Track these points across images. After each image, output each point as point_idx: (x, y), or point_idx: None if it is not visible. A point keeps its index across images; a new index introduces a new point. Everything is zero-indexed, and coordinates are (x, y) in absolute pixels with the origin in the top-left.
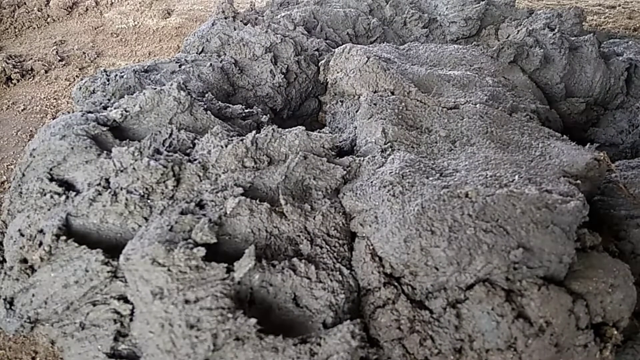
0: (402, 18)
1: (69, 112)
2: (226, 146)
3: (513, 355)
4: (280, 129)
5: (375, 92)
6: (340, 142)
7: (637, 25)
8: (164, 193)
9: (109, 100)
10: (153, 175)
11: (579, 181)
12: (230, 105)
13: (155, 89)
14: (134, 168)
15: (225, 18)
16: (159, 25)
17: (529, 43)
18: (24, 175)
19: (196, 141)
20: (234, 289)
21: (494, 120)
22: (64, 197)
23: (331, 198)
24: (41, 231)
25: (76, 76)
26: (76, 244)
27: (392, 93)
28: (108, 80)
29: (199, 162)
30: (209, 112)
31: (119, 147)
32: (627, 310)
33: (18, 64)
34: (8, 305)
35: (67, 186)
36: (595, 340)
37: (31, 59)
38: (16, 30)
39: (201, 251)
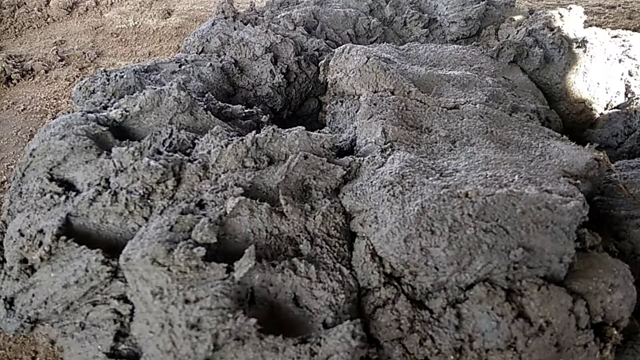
0: (402, 18)
1: (69, 112)
2: (226, 146)
3: (513, 355)
4: (280, 129)
5: (375, 92)
6: (340, 142)
7: (637, 25)
8: (164, 193)
9: (109, 100)
10: (153, 175)
11: (579, 181)
12: (231, 105)
13: (155, 89)
14: (134, 168)
15: (225, 18)
16: (159, 25)
17: (528, 43)
18: (24, 175)
19: (196, 141)
20: (234, 289)
21: (494, 120)
22: (63, 197)
23: (331, 198)
24: (41, 231)
25: (76, 76)
26: (76, 244)
27: (392, 93)
28: (108, 80)
29: (199, 162)
30: (209, 112)
31: (119, 147)
32: (627, 310)
33: (18, 64)
34: (8, 305)
35: (67, 186)
36: (595, 340)
37: (31, 59)
38: (16, 30)
39: (201, 251)
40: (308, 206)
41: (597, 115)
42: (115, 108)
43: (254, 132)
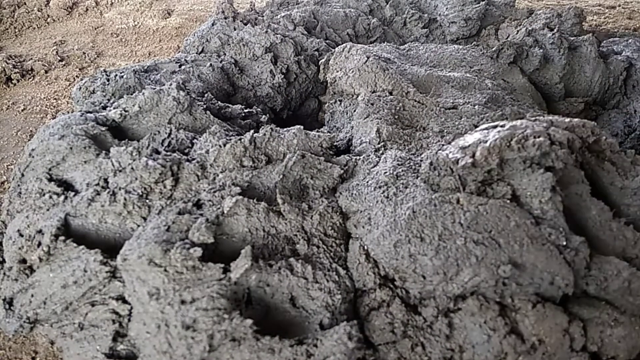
0: (402, 18)
1: (68, 112)
2: (224, 145)
3: None
4: (278, 128)
5: (373, 92)
6: (337, 141)
7: (637, 25)
8: (162, 193)
9: (108, 100)
10: (151, 175)
11: None
12: (230, 105)
13: (154, 89)
14: (132, 168)
15: (225, 18)
16: (159, 25)
17: (528, 43)
18: (23, 175)
19: (195, 141)
20: (230, 290)
21: (494, 121)
22: (62, 197)
23: (328, 197)
24: (40, 231)
25: (76, 76)
26: (75, 244)
27: (391, 93)
28: (108, 81)
29: (197, 162)
30: (208, 112)
31: (118, 147)
32: (625, 350)
33: (18, 64)
34: (7, 306)
35: (66, 186)
36: None
37: (31, 59)
38: (16, 30)
39: (198, 251)
40: (305, 206)
41: (597, 115)
42: (114, 108)
43: (252, 131)
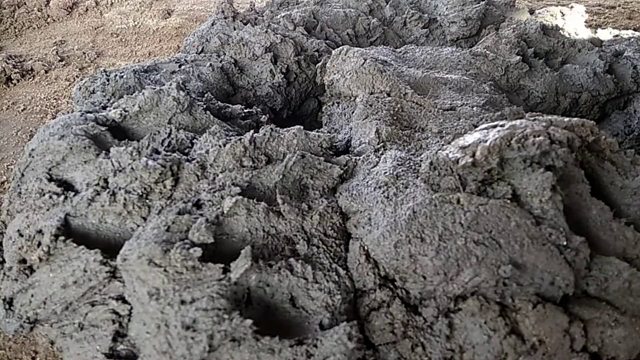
0: (402, 18)
1: (68, 112)
2: (224, 145)
3: None
4: (278, 128)
5: (371, 93)
6: (336, 142)
7: (637, 25)
8: (162, 193)
9: (108, 100)
10: (151, 175)
11: None
12: (230, 105)
13: (154, 89)
14: (132, 168)
15: (225, 18)
16: (159, 25)
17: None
18: (23, 175)
19: (195, 141)
20: (230, 290)
21: (493, 121)
22: (62, 197)
23: (328, 197)
24: (40, 231)
25: (76, 76)
26: (75, 244)
27: (389, 95)
28: (108, 81)
29: (197, 162)
30: (208, 112)
31: (118, 147)
32: (625, 351)
33: (18, 64)
34: (7, 306)
35: (66, 186)
36: None
37: (31, 59)
38: (16, 30)
39: (197, 252)
40: (305, 206)
41: (601, 115)
42: (114, 108)
43: (252, 131)
